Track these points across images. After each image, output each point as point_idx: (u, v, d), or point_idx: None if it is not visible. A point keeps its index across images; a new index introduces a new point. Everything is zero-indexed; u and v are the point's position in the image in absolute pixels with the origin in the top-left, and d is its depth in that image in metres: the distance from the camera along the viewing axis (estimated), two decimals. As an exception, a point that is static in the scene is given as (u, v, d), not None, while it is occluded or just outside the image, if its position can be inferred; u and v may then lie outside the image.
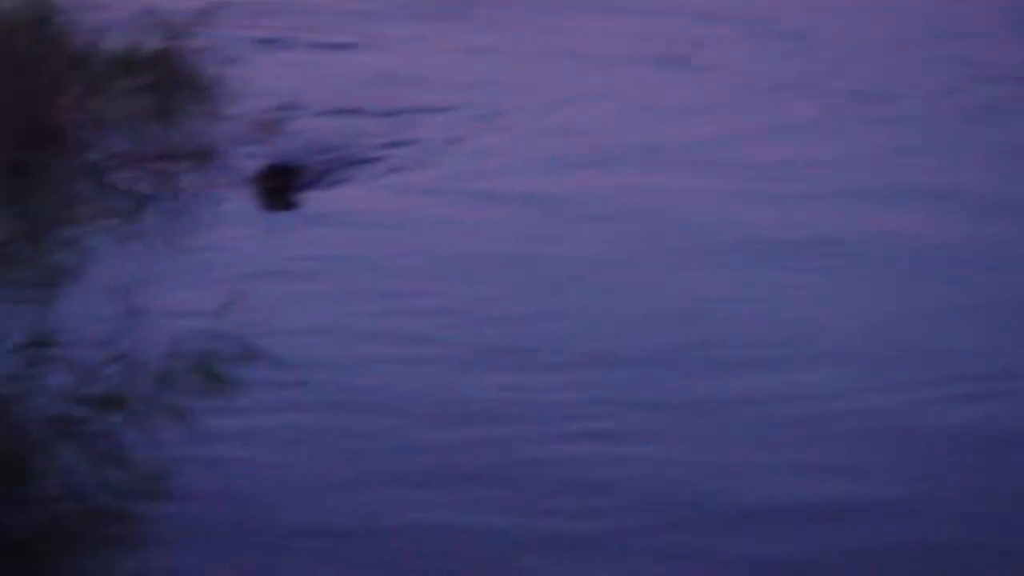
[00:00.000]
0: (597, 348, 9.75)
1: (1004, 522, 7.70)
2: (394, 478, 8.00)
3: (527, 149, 14.30)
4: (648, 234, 12.01)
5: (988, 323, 10.31)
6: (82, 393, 7.18)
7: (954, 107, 15.66)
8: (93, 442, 7.15)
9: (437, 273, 11.07)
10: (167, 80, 13.96)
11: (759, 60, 17.56)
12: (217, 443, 8.20)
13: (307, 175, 13.05)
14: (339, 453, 8.36)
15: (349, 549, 7.31)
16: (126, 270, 10.96)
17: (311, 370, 9.24)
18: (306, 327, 9.88)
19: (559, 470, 8.10)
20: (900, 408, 9.00)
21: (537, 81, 16.74)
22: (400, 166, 13.67)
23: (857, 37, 18.59)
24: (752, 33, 18.75)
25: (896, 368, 9.56)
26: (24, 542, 6.92)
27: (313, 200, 12.65)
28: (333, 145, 14.02)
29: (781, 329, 10.17)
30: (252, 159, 13.40)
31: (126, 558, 7.06)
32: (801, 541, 7.42)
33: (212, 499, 7.92)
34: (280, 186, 12.76)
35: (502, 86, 16.70)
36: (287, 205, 12.51)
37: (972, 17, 19.55)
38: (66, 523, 7.00)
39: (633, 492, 7.88)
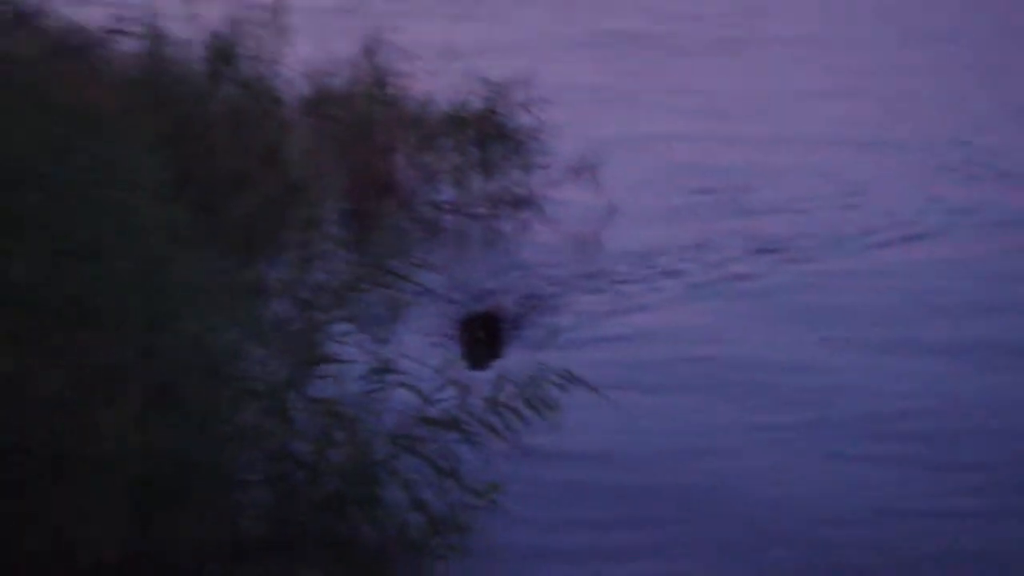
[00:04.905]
0: None
1: None
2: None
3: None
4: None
5: None
6: (421, 414, 7.27)
7: None
8: (431, 459, 7.20)
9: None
10: (488, 135, 14.20)
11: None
12: (539, 462, 8.38)
13: (516, 320, 11.12)
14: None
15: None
16: (455, 303, 11.26)
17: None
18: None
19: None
20: None
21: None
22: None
23: None
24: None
25: None
26: (372, 547, 7.06)
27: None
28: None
29: None
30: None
31: (461, 566, 7.17)
32: None
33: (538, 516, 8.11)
34: (487, 339, 10.69)
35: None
36: (490, 358, 10.52)
37: None
38: (410, 532, 7.10)
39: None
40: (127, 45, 12.49)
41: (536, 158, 14.21)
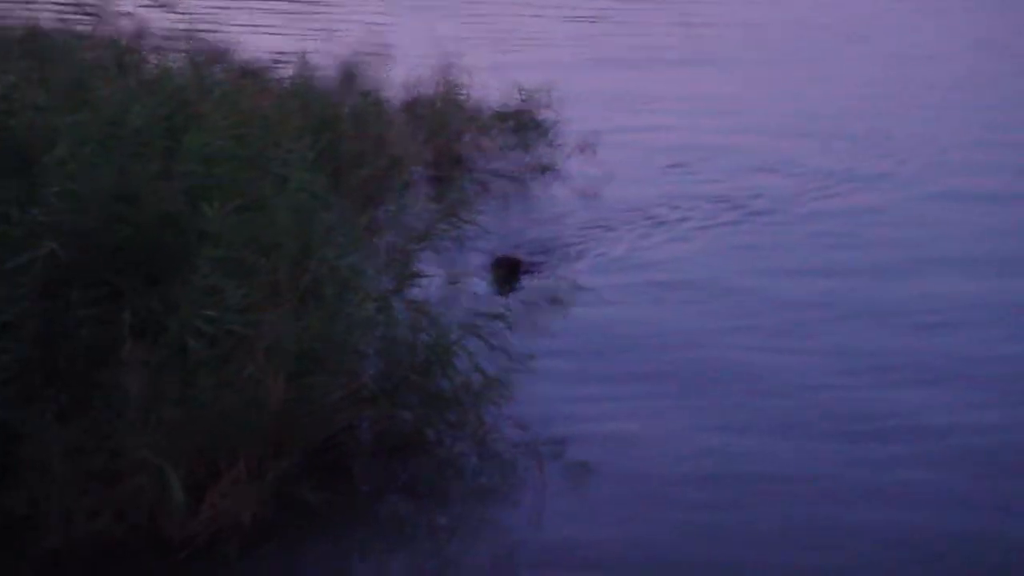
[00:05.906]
0: None
1: None
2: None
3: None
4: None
5: None
6: (478, 310, 7.34)
7: None
8: (486, 338, 7.25)
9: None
10: (523, 124, 14.08)
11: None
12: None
13: (529, 266, 10.08)
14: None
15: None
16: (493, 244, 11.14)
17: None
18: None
19: None
20: None
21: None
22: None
23: None
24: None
25: None
26: (449, 396, 7.14)
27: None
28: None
29: None
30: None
31: (506, 406, 7.20)
32: None
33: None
34: (508, 274, 9.78)
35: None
36: (513, 289, 9.49)
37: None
38: (472, 384, 7.16)
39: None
40: (286, 69, 12.52)
41: (555, 139, 14.05)
